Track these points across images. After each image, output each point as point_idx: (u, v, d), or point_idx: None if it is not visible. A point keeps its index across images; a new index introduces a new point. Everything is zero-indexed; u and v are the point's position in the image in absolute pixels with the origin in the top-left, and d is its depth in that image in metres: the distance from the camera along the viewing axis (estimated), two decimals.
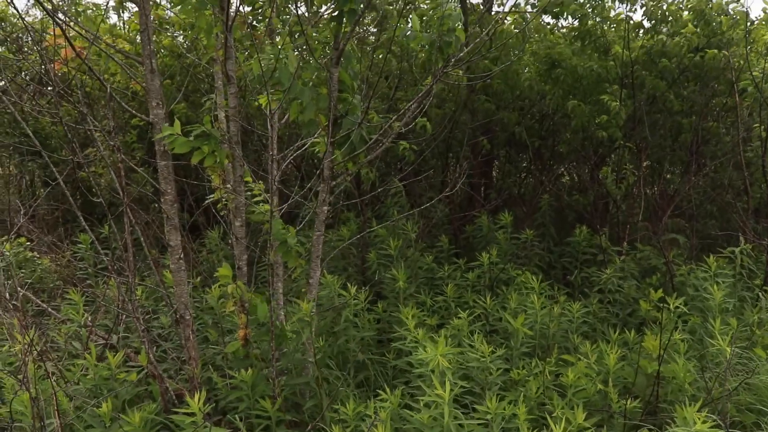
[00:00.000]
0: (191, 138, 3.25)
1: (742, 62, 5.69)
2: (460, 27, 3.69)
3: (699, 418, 2.77)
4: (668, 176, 7.42)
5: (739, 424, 3.31)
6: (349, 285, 4.39)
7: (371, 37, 6.72)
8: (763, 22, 6.76)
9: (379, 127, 3.76)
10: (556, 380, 3.71)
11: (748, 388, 3.58)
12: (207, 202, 4.00)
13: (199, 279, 5.07)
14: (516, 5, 6.64)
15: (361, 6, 3.42)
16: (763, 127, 5.57)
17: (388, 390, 3.35)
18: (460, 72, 6.14)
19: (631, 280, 5.15)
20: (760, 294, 4.65)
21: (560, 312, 4.34)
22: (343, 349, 4.29)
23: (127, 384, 3.66)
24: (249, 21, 4.43)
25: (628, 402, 3.48)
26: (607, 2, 5.96)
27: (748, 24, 5.86)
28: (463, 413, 3.22)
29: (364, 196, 5.69)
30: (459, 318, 4.17)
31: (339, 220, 6.65)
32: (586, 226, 5.78)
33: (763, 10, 5.69)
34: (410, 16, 5.90)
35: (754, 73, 5.55)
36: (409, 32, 3.62)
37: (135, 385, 3.71)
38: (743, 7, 5.66)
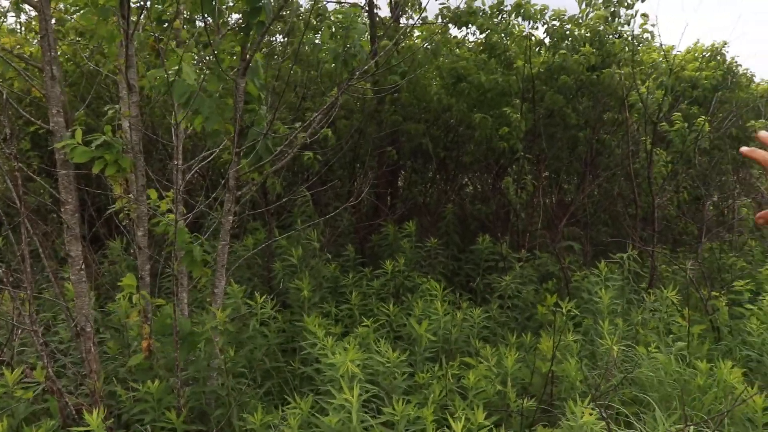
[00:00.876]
0: (92, 147, 3.21)
1: (631, 81, 6.07)
2: (365, 40, 3.80)
3: (586, 412, 2.96)
4: (566, 186, 7.80)
5: (623, 416, 3.54)
6: (256, 294, 4.40)
7: (279, 48, 6.76)
8: (653, 44, 7.25)
9: (285, 138, 3.82)
10: (458, 383, 3.85)
11: (632, 383, 3.83)
12: (109, 212, 3.93)
13: (97, 293, 4.95)
14: (424, 18, 6.83)
15: (270, 19, 3.47)
16: (648, 140, 5.95)
17: (297, 397, 3.40)
18: (367, 84, 6.26)
19: (529, 285, 5.39)
20: (644, 296, 4.97)
21: (462, 317, 4.50)
22: (250, 359, 4.29)
23: (24, 401, 3.54)
24: (155, 35, 4.39)
25: (525, 401, 3.66)
26: (512, 20, 6.23)
27: (638, 45, 6.27)
28: (371, 417, 3.30)
29: (271, 206, 5.71)
30: (364, 326, 4.26)
31: (245, 230, 6.63)
32: (488, 235, 5.99)
33: (642, 27, 6.09)
34: (321, 28, 6.01)
35: (640, 91, 5.93)
36: (315, 43, 3.70)
37: (32, 402, 3.60)
38: (631, 30, 6.05)
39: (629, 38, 6.11)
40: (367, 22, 6.75)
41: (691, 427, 2.99)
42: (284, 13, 5.84)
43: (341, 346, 3.59)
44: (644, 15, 6.02)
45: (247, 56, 3.52)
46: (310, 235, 5.67)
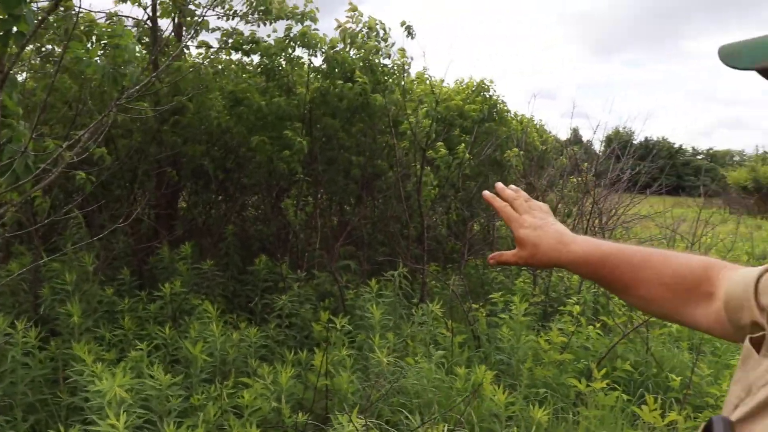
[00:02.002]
0: None
1: (399, 108, 6.52)
2: (141, 56, 3.74)
3: (353, 421, 3.14)
4: (347, 208, 8.13)
5: (392, 423, 3.79)
6: (17, 322, 4.11)
7: (53, 59, 6.36)
8: (422, 76, 7.83)
9: (50, 156, 3.63)
10: (235, 402, 3.89)
11: (400, 392, 4.11)
12: None
13: None
14: (203, 43, 6.80)
15: (31, 29, 3.30)
16: (418, 165, 6.41)
17: (62, 429, 3.23)
18: (146, 104, 6.10)
19: (307, 304, 5.55)
20: (413, 311, 5.34)
21: (240, 338, 4.54)
22: (10, 392, 4.00)
23: None
24: None
25: (300, 415, 3.78)
26: (291, 49, 6.41)
27: (404, 75, 6.75)
28: None
29: (38, 227, 5.35)
30: (138, 350, 4.15)
31: (10, 254, 6.14)
32: (267, 255, 6.08)
33: (401, 59, 6.56)
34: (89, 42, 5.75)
35: (410, 119, 6.39)
36: (82, 58, 3.57)
37: None
38: (400, 62, 6.51)
39: (394, 69, 6.56)
40: (148, 39, 6.60)
41: (443, 425, 3.28)
42: (60, 26, 5.53)
43: (110, 372, 3.48)
44: (401, 49, 6.51)
45: (5, 68, 3.32)
46: (84, 259, 5.39)
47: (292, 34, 6.23)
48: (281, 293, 5.48)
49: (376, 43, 6.23)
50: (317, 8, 6.11)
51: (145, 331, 4.95)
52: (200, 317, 4.94)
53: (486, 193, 1.45)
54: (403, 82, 6.72)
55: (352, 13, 6.27)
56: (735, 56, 0.72)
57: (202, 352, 4.10)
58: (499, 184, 1.45)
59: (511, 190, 1.42)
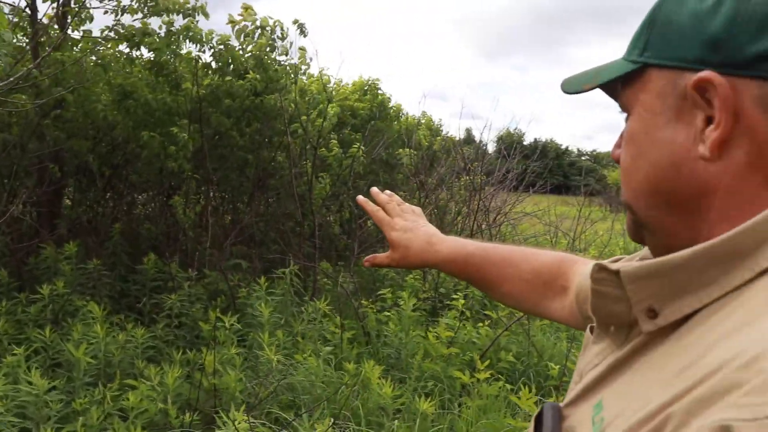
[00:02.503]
0: None
1: (294, 107, 6.54)
2: (17, 45, 3.60)
3: (238, 419, 3.17)
4: (240, 206, 8.07)
5: (282, 419, 3.84)
6: None
7: None
8: (312, 76, 7.88)
9: None
10: (120, 405, 3.82)
11: (290, 389, 4.16)
12: None
13: None
14: (88, 32, 6.56)
15: None
16: (309, 164, 6.46)
17: None
18: (24, 96, 5.83)
19: (198, 303, 5.48)
20: (303, 308, 5.38)
21: (126, 339, 4.45)
22: None
23: None
24: None
25: (188, 416, 3.76)
26: (180, 41, 6.29)
27: (299, 75, 6.78)
28: None
29: None
30: (13, 354, 4.01)
31: None
32: (156, 254, 5.96)
33: (300, 60, 6.59)
34: None
35: (302, 118, 6.43)
36: None
37: None
38: (293, 61, 6.54)
39: (289, 68, 6.58)
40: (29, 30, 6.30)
41: (329, 419, 3.37)
42: None
43: None
44: (301, 48, 6.55)
45: None
46: None
47: (174, 29, 6.10)
48: (170, 293, 5.39)
49: (271, 41, 6.21)
50: (206, 2, 6.02)
51: (24, 335, 4.76)
52: (84, 319, 4.80)
53: (360, 197, 1.51)
54: (296, 81, 6.73)
55: (245, 13, 6.23)
56: (566, 85, 0.85)
57: (86, 355, 3.99)
58: (374, 189, 1.52)
59: (385, 195, 1.49)
